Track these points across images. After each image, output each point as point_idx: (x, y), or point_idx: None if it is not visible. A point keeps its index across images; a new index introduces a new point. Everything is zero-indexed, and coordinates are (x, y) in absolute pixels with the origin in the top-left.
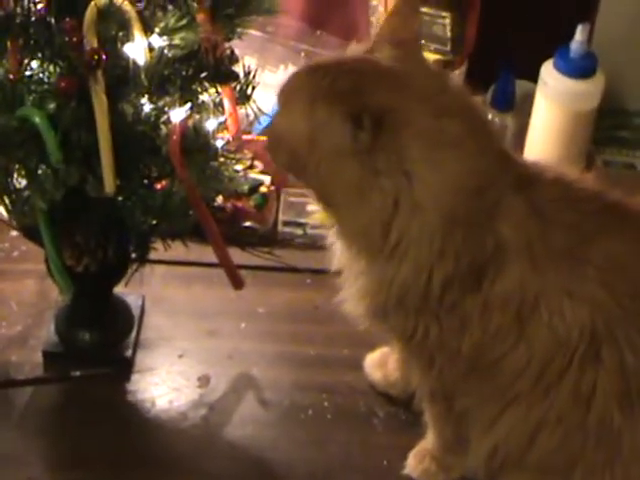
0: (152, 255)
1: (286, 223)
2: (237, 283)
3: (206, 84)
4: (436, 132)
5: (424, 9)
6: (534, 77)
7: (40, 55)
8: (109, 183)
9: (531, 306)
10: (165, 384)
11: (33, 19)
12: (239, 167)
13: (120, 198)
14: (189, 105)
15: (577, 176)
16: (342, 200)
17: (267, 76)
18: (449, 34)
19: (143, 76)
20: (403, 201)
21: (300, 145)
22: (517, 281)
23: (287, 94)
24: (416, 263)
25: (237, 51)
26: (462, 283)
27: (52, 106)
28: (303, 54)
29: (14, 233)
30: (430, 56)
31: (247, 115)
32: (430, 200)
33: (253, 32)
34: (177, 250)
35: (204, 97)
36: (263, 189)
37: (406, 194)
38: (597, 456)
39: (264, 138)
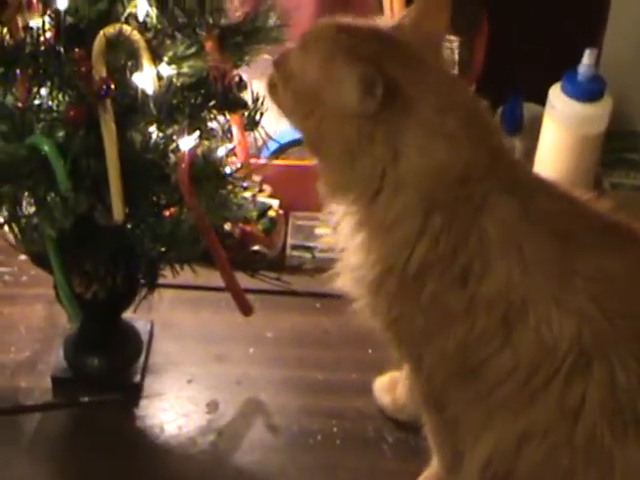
0: (160, 279)
1: (294, 247)
2: (246, 310)
3: (215, 112)
4: (435, 124)
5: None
6: (542, 99)
7: (49, 84)
8: (118, 211)
9: (518, 310)
10: (174, 410)
11: (42, 48)
12: (248, 194)
13: (129, 226)
14: (197, 133)
15: (582, 195)
16: (333, 154)
17: None
18: (457, 57)
19: (152, 105)
20: (389, 173)
21: (308, 91)
22: (504, 282)
23: (310, 39)
24: (397, 239)
25: (245, 75)
26: (442, 273)
27: (61, 134)
28: None
29: (23, 257)
30: None
31: (255, 139)
32: (411, 179)
33: (267, 48)
34: (185, 274)
35: (212, 124)
36: (271, 213)
37: (392, 168)
38: (588, 477)
39: (273, 162)
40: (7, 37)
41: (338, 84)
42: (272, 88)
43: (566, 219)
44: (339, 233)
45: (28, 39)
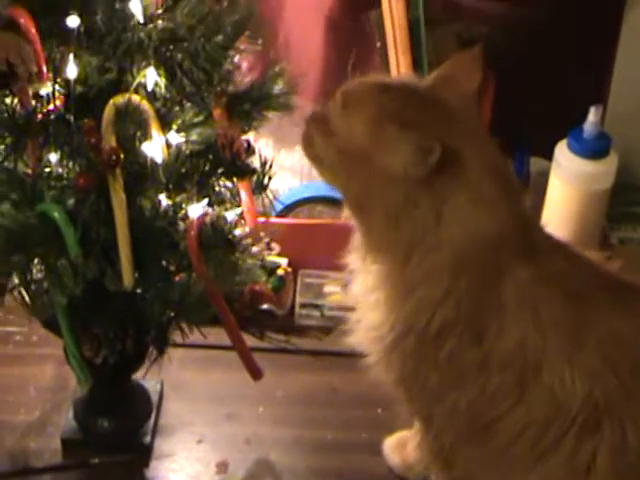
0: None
1: (303, 305)
2: (255, 374)
3: (223, 179)
4: (479, 189)
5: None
6: (549, 154)
7: (59, 152)
8: (128, 278)
9: (533, 369)
10: (184, 471)
11: (52, 117)
12: (256, 259)
13: (138, 291)
14: (206, 200)
15: (593, 254)
16: (376, 216)
17: (284, 157)
18: None
19: (161, 173)
20: (429, 236)
21: (355, 152)
22: (519, 342)
23: (352, 99)
24: (421, 300)
25: (252, 135)
26: (461, 333)
27: (71, 202)
28: None
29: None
30: None
31: (265, 197)
32: (448, 242)
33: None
34: (195, 333)
35: (221, 189)
36: (280, 271)
37: (432, 231)
38: None
39: (281, 221)
40: (18, 106)
41: (391, 149)
42: (309, 145)
43: (580, 280)
44: (354, 289)
45: (38, 108)
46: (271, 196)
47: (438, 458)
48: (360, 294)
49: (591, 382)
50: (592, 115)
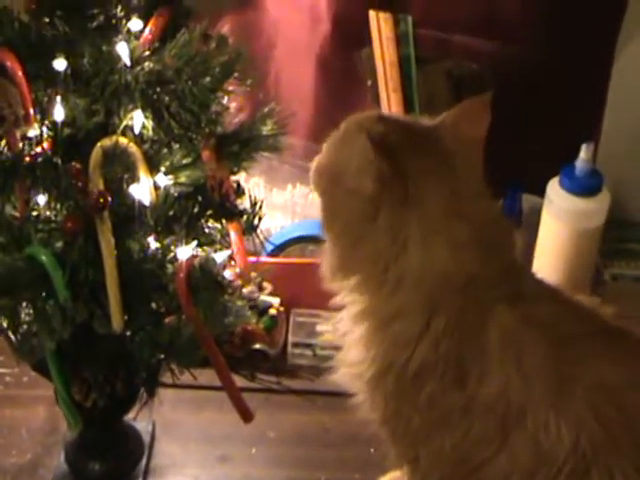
0: (163, 379)
1: (296, 344)
2: (246, 416)
3: (212, 221)
4: (443, 229)
5: None
6: (542, 191)
7: (47, 194)
8: (117, 320)
9: (516, 415)
10: None
11: (40, 159)
12: (247, 301)
13: (128, 334)
14: (195, 242)
15: (586, 299)
16: (339, 228)
17: (275, 196)
18: None
19: (149, 216)
20: (392, 266)
21: (334, 173)
22: (502, 388)
23: (349, 130)
24: (398, 337)
25: (243, 174)
26: (442, 375)
27: (59, 244)
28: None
29: None
30: None
31: (256, 237)
32: (412, 277)
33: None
34: (186, 374)
35: (210, 230)
36: (272, 311)
37: (394, 261)
38: None
39: (272, 260)
40: (5, 149)
41: (350, 159)
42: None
43: (568, 327)
44: (339, 325)
45: (26, 150)
46: (262, 236)
47: None
48: (342, 330)
49: (578, 431)
50: (584, 152)
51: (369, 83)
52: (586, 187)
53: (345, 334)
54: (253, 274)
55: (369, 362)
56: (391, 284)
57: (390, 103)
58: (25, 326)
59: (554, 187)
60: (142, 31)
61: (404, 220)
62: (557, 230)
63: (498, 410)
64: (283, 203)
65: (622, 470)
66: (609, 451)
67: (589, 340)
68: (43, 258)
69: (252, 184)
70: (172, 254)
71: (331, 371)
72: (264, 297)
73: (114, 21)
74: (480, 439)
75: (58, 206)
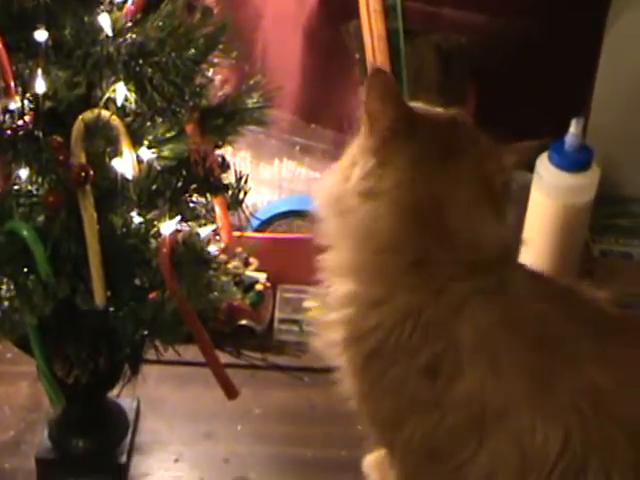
0: (147, 355)
1: (282, 320)
2: (230, 393)
3: (196, 195)
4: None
5: (419, 104)
6: (531, 166)
7: (28, 168)
8: (99, 296)
9: (495, 417)
10: None
11: (21, 133)
12: (231, 276)
13: (111, 310)
14: (179, 217)
15: (581, 285)
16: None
17: (262, 170)
18: None
19: (132, 190)
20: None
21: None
22: (476, 387)
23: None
24: (360, 300)
25: (230, 149)
26: (409, 362)
27: (41, 219)
28: (298, 147)
29: None
30: None
31: (242, 212)
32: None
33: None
34: (171, 350)
35: (194, 205)
36: (258, 287)
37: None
38: None
39: (259, 236)
40: None
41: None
42: None
43: (556, 326)
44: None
45: (7, 124)
46: (248, 211)
47: None
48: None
49: (566, 432)
50: (573, 127)
51: (357, 56)
52: (575, 162)
53: (326, 314)
54: (239, 249)
55: (338, 326)
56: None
57: None
58: (6, 302)
59: (543, 162)
60: (125, 2)
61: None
62: (546, 206)
63: (472, 409)
64: (270, 178)
65: (619, 471)
66: (603, 452)
67: (579, 340)
68: (24, 233)
69: (238, 159)
70: (155, 229)
71: (313, 337)
72: (250, 273)
73: None
74: (453, 434)
75: (40, 180)
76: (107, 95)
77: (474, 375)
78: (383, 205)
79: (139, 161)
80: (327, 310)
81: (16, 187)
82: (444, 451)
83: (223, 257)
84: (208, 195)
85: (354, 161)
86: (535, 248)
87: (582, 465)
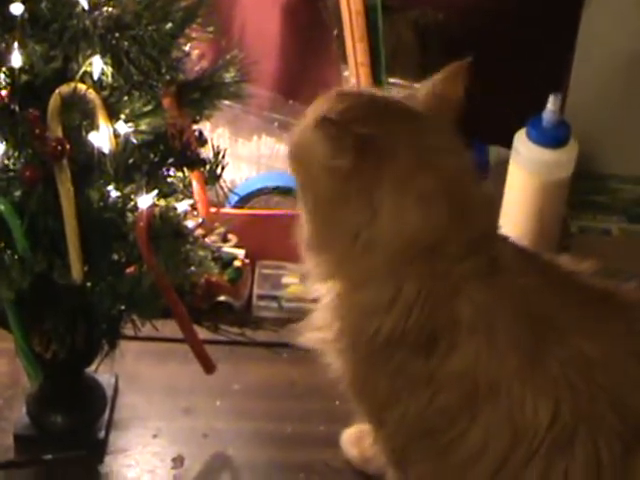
0: (125, 331)
1: (261, 297)
2: (208, 368)
3: (173, 169)
4: (411, 184)
5: (396, 80)
6: (509, 142)
7: (5, 143)
8: (76, 270)
9: (487, 391)
10: (139, 466)
11: None
12: (209, 250)
13: (88, 284)
14: (156, 192)
15: (564, 258)
16: (316, 206)
17: (240, 147)
18: None
19: (109, 164)
20: (362, 233)
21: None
22: (471, 362)
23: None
24: (367, 305)
25: (209, 125)
26: (412, 346)
27: (17, 194)
28: (277, 124)
29: None
30: None
31: (220, 188)
32: (383, 243)
33: (226, 102)
34: (150, 326)
35: (172, 180)
36: (237, 263)
37: (365, 228)
38: None
39: (237, 212)
40: None
41: (316, 143)
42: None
43: (545, 298)
44: (308, 288)
45: None
46: (226, 187)
47: (390, 459)
48: (312, 296)
49: (556, 404)
50: (551, 103)
51: (335, 32)
52: (553, 138)
53: (315, 300)
54: (217, 225)
55: (337, 331)
56: (360, 249)
57: (356, 52)
58: None
59: (521, 138)
60: None
61: (375, 184)
62: (524, 182)
63: (465, 385)
64: (248, 154)
65: (606, 440)
66: (591, 421)
67: (567, 312)
68: (1, 207)
69: (217, 135)
70: (132, 203)
71: (297, 333)
72: (229, 249)
73: None
74: (444, 411)
75: (16, 154)
76: (84, 69)
77: (470, 351)
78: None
79: (116, 135)
80: (317, 311)
81: None
82: (436, 428)
83: (200, 231)
84: (185, 169)
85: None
86: (513, 224)
87: (570, 436)
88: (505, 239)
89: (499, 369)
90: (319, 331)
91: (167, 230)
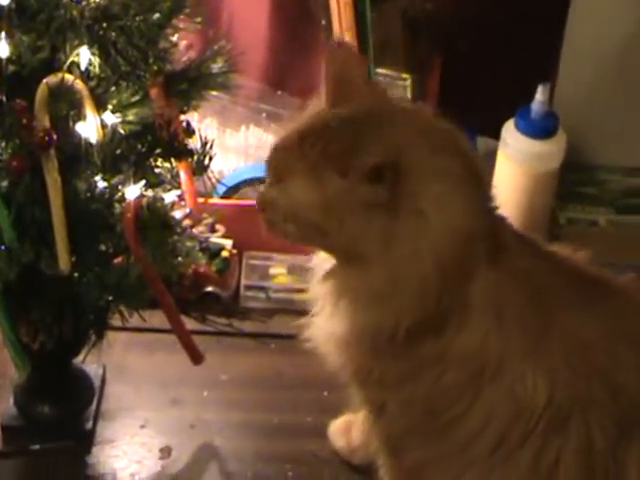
0: (113, 322)
1: (249, 287)
2: (195, 358)
3: (161, 160)
4: (438, 168)
5: (385, 71)
6: (497, 134)
7: None
8: (64, 261)
9: (493, 369)
10: (126, 456)
11: None
12: (196, 241)
13: (75, 275)
14: (143, 182)
15: (560, 247)
16: (372, 251)
17: (228, 137)
18: (409, 95)
19: (96, 155)
20: (422, 242)
21: (318, 215)
22: (479, 341)
23: (282, 171)
24: (392, 306)
25: (197, 115)
26: (424, 327)
27: (4, 184)
28: (264, 115)
29: None
30: None
31: (208, 179)
32: (435, 242)
33: (214, 93)
34: (138, 317)
35: (160, 170)
36: (225, 253)
37: (423, 234)
38: None
39: (225, 202)
40: None
41: (340, 190)
42: (272, 230)
43: (546, 279)
44: (314, 289)
45: None
46: (214, 177)
47: (386, 445)
48: (320, 296)
49: (553, 383)
50: (540, 94)
51: (323, 23)
52: (542, 129)
53: (323, 298)
54: (205, 216)
55: (351, 327)
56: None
57: (342, 29)
58: None
59: (509, 129)
60: None
61: (415, 188)
62: (512, 173)
63: (473, 364)
64: (236, 145)
65: (599, 423)
66: (587, 405)
67: (568, 293)
68: None
69: (205, 125)
70: (120, 194)
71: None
72: (216, 239)
73: None
74: (448, 390)
75: (3, 144)
76: (71, 59)
77: (480, 330)
78: None
79: (103, 125)
80: (324, 306)
81: None
82: (438, 407)
83: (188, 222)
84: (173, 160)
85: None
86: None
87: (565, 417)
88: (503, 219)
89: (505, 348)
90: (330, 333)
91: (154, 221)
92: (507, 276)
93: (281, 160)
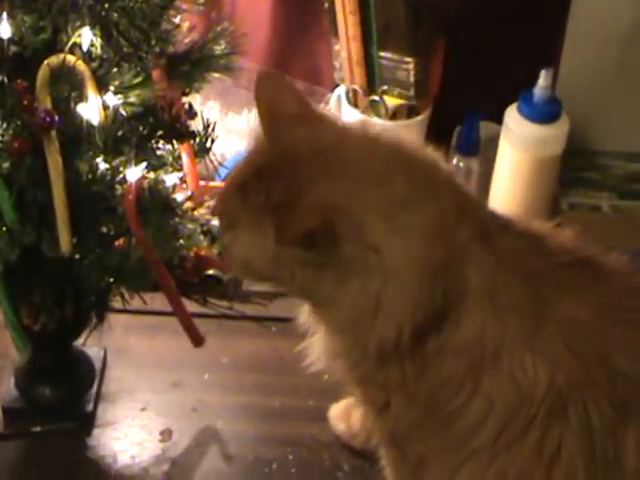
0: (114, 304)
1: None
2: (196, 341)
3: (163, 142)
4: (384, 198)
5: (388, 54)
6: (500, 118)
7: None
8: (65, 243)
9: (491, 358)
10: (127, 439)
11: None
12: (198, 224)
13: (77, 257)
14: (145, 164)
15: (542, 225)
16: (331, 298)
17: (231, 120)
18: (412, 79)
19: (97, 136)
20: (377, 275)
21: (268, 266)
22: (477, 330)
23: (230, 219)
24: (391, 322)
25: (199, 98)
26: (427, 327)
27: (6, 165)
28: None
29: None
30: (394, 101)
31: (210, 161)
32: (402, 264)
33: (216, 75)
34: (139, 299)
35: (161, 153)
36: None
37: (378, 269)
38: None
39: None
40: None
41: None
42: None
43: (534, 259)
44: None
45: None
46: (216, 160)
47: (389, 441)
48: (310, 322)
49: (553, 367)
50: (543, 79)
51: (326, 5)
52: (544, 114)
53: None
54: (206, 198)
55: (361, 347)
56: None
57: (347, 26)
58: None
59: (512, 114)
60: None
61: (360, 229)
62: (515, 158)
63: (472, 353)
64: (238, 128)
65: (597, 405)
66: (584, 387)
67: (556, 272)
68: None
69: (207, 108)
70: (121, 175)
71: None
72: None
73: None
74: (449, 382)
75: (5, 126)
76: (73, 40)
77: (477, 318)
78: None
79: (105, 107)
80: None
81: None
82: (440, 401)
83: (189, 205)
84: (175, 142)
85: None
86: (503, 200)
87: (565, 401)
88: (484, 205)
89: (502, 334)
90: (330, 356)
91: (156, 203)
92: (498, 261)
93: (228, 208)
